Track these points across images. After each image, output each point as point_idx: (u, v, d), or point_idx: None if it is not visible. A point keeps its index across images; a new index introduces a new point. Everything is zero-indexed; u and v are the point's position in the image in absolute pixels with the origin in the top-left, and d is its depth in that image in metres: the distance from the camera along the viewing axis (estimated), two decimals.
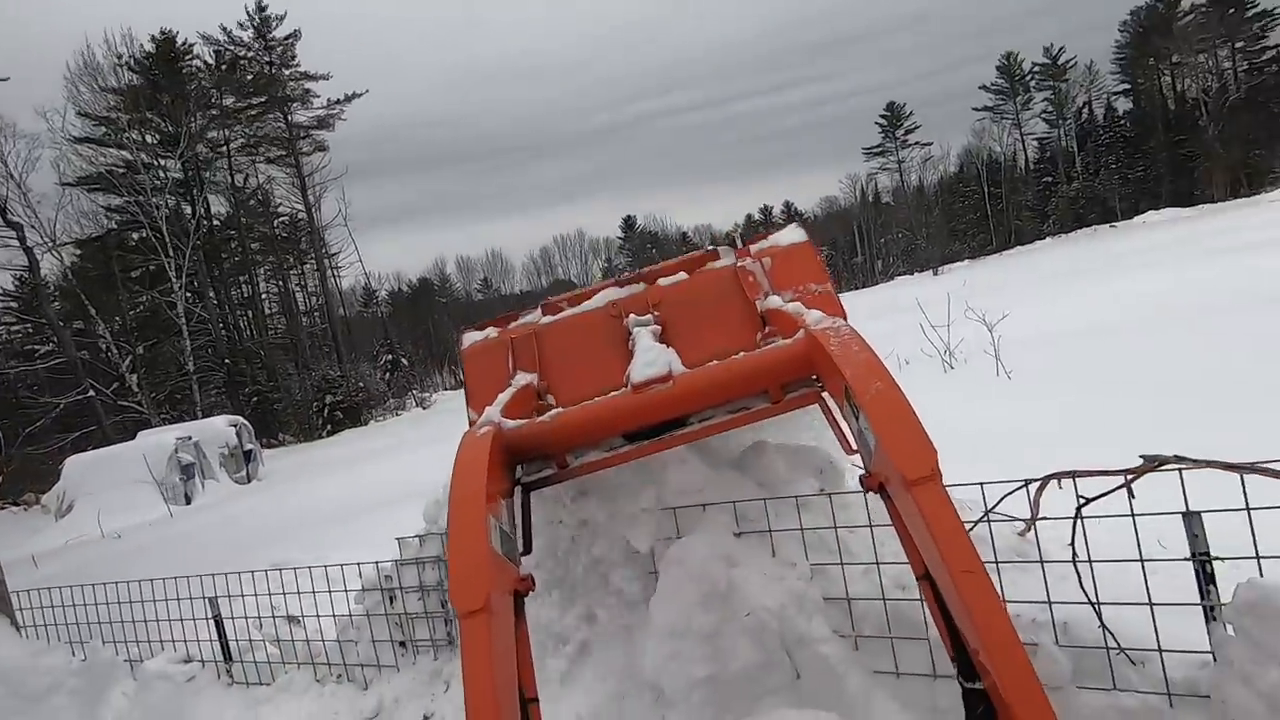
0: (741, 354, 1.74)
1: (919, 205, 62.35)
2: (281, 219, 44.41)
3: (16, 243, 27.16)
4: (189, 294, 32.93)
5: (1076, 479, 1.93)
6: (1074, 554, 1.86)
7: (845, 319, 2.04)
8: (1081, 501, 1.86)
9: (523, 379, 2.14)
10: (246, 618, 3.98)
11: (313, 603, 3.62)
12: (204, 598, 3.97)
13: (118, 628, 4.56)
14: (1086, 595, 1.84)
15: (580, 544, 2.61)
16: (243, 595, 4.02)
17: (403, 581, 3.23)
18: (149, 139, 34.54)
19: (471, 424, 2.21)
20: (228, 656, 3.92)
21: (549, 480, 1.90)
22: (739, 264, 2.27)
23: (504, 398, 1.96)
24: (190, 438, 16.96)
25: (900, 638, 2.23)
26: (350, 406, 33.26)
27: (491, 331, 2.47)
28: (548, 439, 1.75)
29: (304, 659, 3.62)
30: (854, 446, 1.48)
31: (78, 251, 33.12)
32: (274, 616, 3.82)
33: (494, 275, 78.42)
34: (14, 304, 33.80)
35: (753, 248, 2.38)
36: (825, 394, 1.79)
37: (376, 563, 3.31)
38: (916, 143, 66.07)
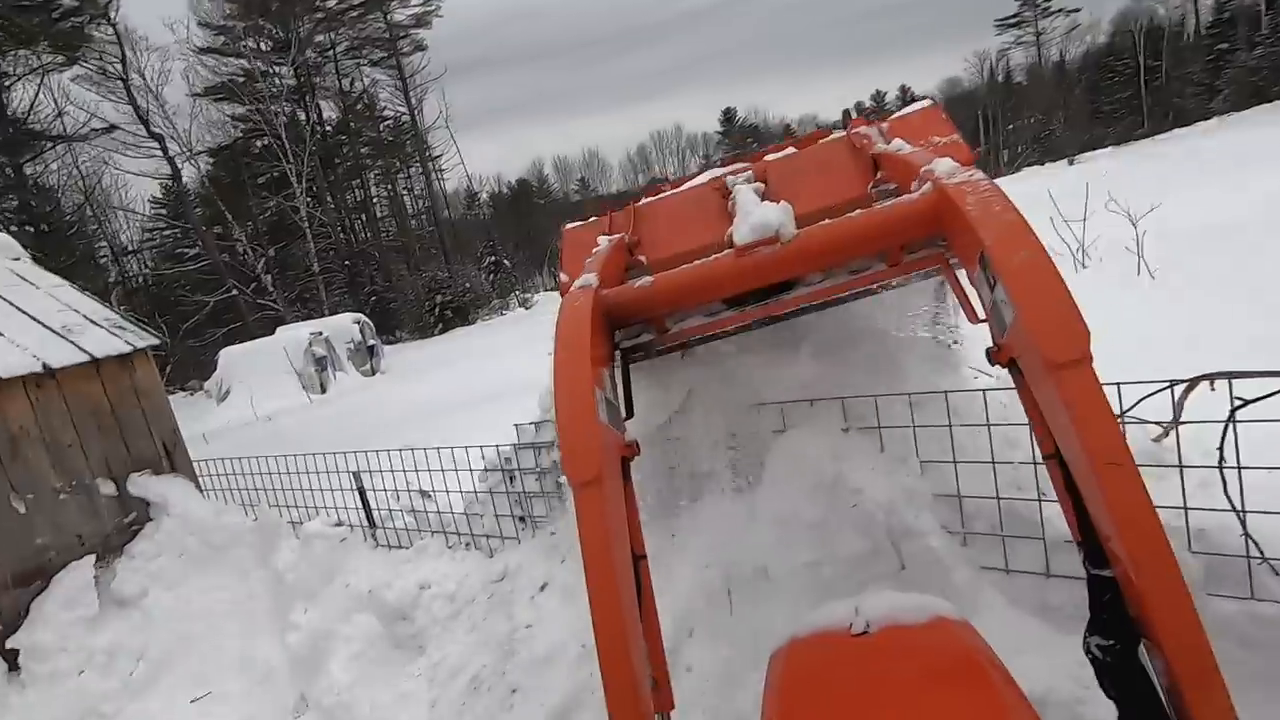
0: (858, 212, 1.57)
1: (1059, 85, 55.37)
2: (387, 122, 45.47)
3: (160, 153, 29.42)
4: (309, 198, 34.88)
5: (1232, 380, 1.77)
6: (1221, 458, 1.75)
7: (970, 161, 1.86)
8: (1239, 404, 1.72)
9: (614, 238, 2.10)
10: (385, 491, 4.47)
11: (441, 480, 3.99)
12: (349, 471, 4.47)
13: (280, 495, 5.26)
14: (1230, 502, 1.74)
15: (686, 431, 2.70)
16: (380, 471, 4.49)
17: (521, 464, 3.49)
18: (263, 46, 35.74)
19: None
20: (371, 523, 4.44)
21: (648, 346, 1.84)
22: (852, 131, 2.13)
23: (597, 256, 1.89)
24: (321, 333, 18.49)
25: (1012, 536, 2.20)
26: (459, 306, 34.92)
27: (592, 219, 2.50)
28: (647, 303, 1.68)
29: (436, 528, 4.05)
30: (982, 316, 1.34)
31: (211, 160, 35.58)
32: (409, 491, 4.26)
33: (591, 175, 77.88)
34: (163, 210, 37.13)
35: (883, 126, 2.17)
36: (951, 257, 1.61)
37: (497, 446, 3.58)
38: (1061, 10, 57.79)
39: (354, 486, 4.42)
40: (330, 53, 40.15)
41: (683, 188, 2.38)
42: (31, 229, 25.84)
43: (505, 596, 3.27)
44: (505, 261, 45.74)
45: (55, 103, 28.34)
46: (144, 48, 28.88)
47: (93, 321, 5.33)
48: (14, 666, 4.22)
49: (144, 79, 28.80)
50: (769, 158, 2.29)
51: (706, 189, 2.21)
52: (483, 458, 3.69)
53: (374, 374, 19.88)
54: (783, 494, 2.40)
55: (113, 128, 29.03)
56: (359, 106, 43.45)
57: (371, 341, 20.57)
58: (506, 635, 3.08)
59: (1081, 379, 0.99)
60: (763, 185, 2.06)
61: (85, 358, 4.90)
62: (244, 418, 14.45)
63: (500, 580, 3.33)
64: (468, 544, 3.83)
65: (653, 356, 1.99)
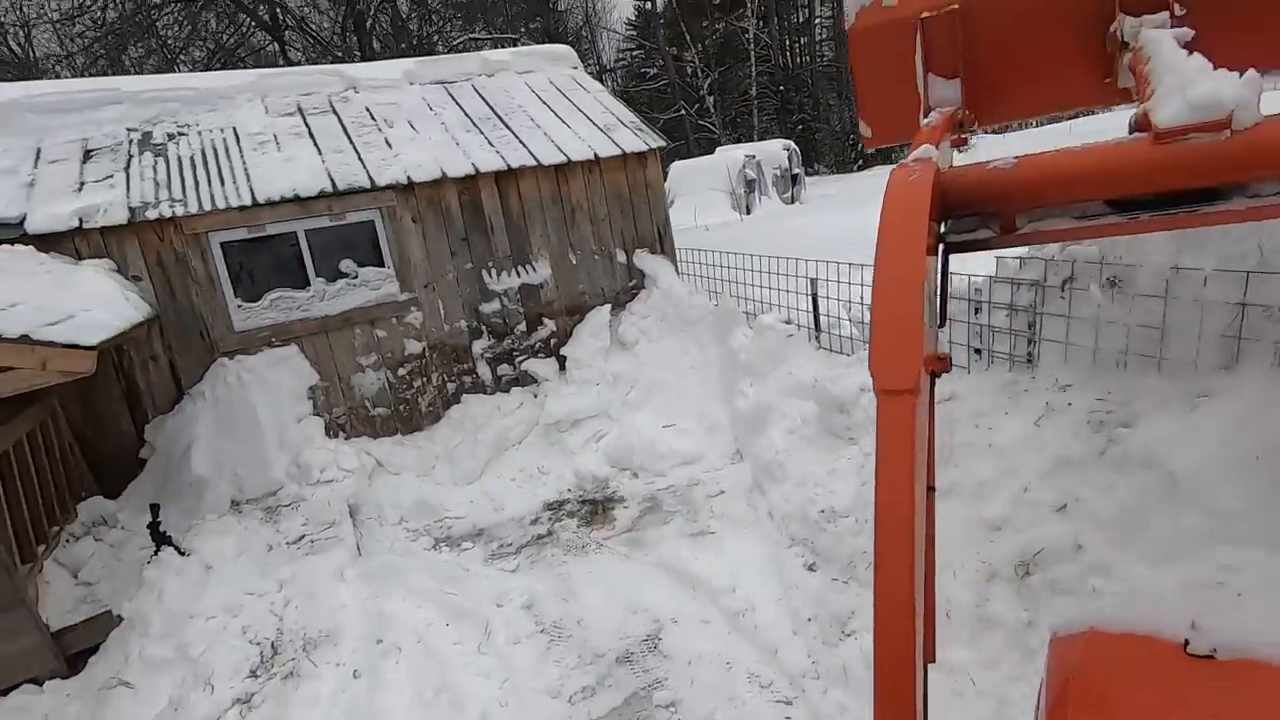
0: None
1: None
2: None
3: None
4: (757, 19, 35.28)
5: None
6: None
7: None
8: None
9: (942, 93, 1.67)
10: (834, 299, 4.92)
11: None
12: (806, 277, 5.01)
13: (739, 288, 6.20)
14: None
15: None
16: (830, 281, 4.93)
17: (992, 296, 3.48)
18: None
19: (865, 141, 1.82)
20: (818, 326, 4.98)
21: (985, 245, 1.49)
22: None
23: (930, 124, 1.54)
24: (754, 156, 19.60)
25: None
26: None
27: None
28: (1002, 192, 1.34)
29: None
30: None
31: None
32: (857, 303, 4.62)
33: None
34: (634, 31, 41.72)
35: None
36: None
37: (969, 275, 3.61)
38: None
39: (809, 291, 4.96)
40: None
41: None
42: (547, 42, 31.69)
43: (948, 413, 3.48)
44: None
45: None
46: None
47: (622, 123, 6.65)
48: (563, 368, 6.14)
49: None
50: None
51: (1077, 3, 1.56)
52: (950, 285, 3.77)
53: (793, 202, 20.60)
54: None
55: None
56: None
57: (796, 170, 21.09)
58: (947, 446, 3.33)
59: None
60: (1188, 31, 1.44)
61: (618, 151, 6.22)
62: (686, 224, 16.59)
63: (948, 400, 3.53)
64: None
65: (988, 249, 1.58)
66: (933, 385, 1.24)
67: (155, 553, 3.66)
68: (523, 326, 6.08)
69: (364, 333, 5.44)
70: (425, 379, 5.73)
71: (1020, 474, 2.91)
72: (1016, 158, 1.34)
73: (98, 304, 4.05)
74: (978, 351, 3.66)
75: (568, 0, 35.22)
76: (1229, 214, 1.25)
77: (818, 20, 45.44)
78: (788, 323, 5.22)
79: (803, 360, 4.91)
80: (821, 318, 4.94)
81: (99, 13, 16.34)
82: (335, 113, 6.09)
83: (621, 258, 6.43)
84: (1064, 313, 3.16)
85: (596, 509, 4.90)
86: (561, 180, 6.07)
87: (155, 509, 3.87)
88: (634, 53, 43.42)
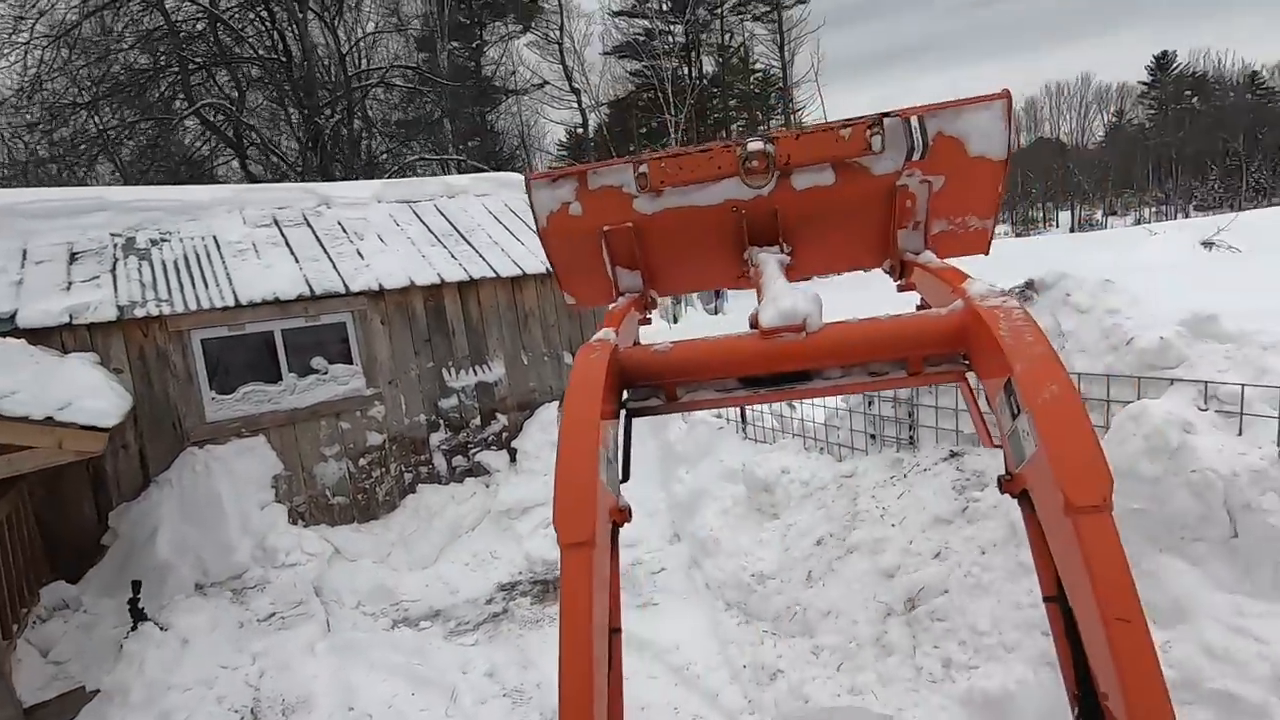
0: (887, 316, 1.59)
1: None
2: (757, 74, 47.59)
3: (575, 105, 35.55)
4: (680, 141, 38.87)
5: None
6: None
7: (986, 252, 1.95)
8: None
9: (627, 281, 2.05)
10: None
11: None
12: None
13: None
14: None
15: None
16: None
17: (880, 394, 4.35)
18: (664, 6, 40.07)
19: (570, 306, 2.24)
20: (743, 420, 5.77)
21: (655, 410, 1.73)
22: (901, 183, 1.87)
23: (614, 309, 1.86)
24: None
25: None
26: None
27: (566, 191, 2.07)
28: (662, 370, 1.63)
29: (796, 432, 5.17)
30: (997, 442, 1.36)
31: (608, 111, 41.69)
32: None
33: None
34: (566, 152, 44.90)
35: (929, 125, 1.82)
36: (970, 375, 1.57)
37: None
38: None
39: None
40: (719, 9, 43.11)
41: (688, 196, 1.99)
42: (485, 166, 33.68)
43: (851, 488, 4.23)
44: None
45: (512, 64, 36.08)
46: (576, 14, 34.77)
47: None
48: (514, 459, 6.62)
49: (572, 41, 34.88)
50: (795, 182, 1.93)
51: (723, 211, 1.98)
52: None
53: (716, 314, 22.18)
54: (1122, 450, 2.87)
55: (545, 83, 35.91)
56: (734, 60, 46.20)
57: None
58: (850, 514, 4.05)
59: (1100, 526, 0.98)
60: (788, 259, 1.92)
61: None
62: None
63: (850, 477, 4.29)
64: (821, 449, 4.87)
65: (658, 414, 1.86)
66: (615, 536, 1.38)
67: (134, 627, 3.82)
68: (477, 420, 6.59)
69: (329, 425, 5.82)
70: (384, 469, 6.09)
71: (907, 531, 3.64)
72: (673, 343, 1.64)
73: (87, 393, 4.35)
74: (873, 437, 4.48)
75: (503, 123, 37.82)
76: (814, 390, 1.64)
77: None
78: (717, 416, 5.99)
79: (731, 449, 5.64)
80: (747, 411, 5.73)
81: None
82: (309, 225, 6.71)
83: (568, 359, 7.13)
84: (933, 405, 4.04)
85: (548, 588, 5.30)
86: (516, 290, 6.82)
87: (137, 585, 4.02)
88: None
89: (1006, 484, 1.28)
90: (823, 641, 3.59)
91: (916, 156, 1.81)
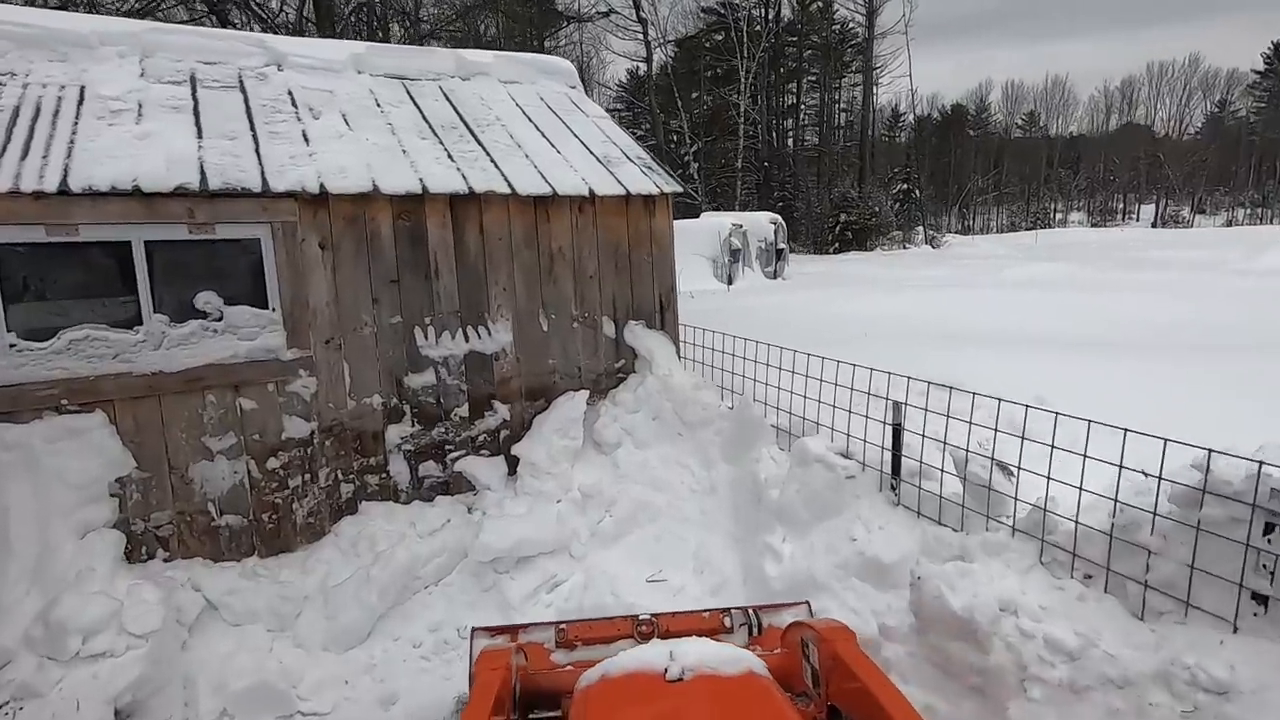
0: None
1: None
2: (836, 26, 43.35)
3: (640, 37, 32.27)
4: (749, 96, 35.38)
5: None
6: None
7: None
8: None
9: None
10: (916, 431, 3.37)
11: (1025, 451, 2.68)
12: (887, 399, 3.45)
13: (758, 386, 4.64)
14: None
15: None
16: (907, 404, 3.38)
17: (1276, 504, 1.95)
18: None
19: None
20: (896, 471, 3.40)
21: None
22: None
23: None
24: (741, 226, 18.55)
25: None
26: (861, 229, 32.88)
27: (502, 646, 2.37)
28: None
29: (1024, 528, 2.81)
30: None
31: (674, 50, 38.18)
32: (972, 451, 3.06)
33: (1046, 108, 64.83)
34: (625, 90, 41.57)
35: (762, 616, 2.62)
36: None
37: (1246, 458, 2.09)
38: None
39: (889, 419, 3.39)
40: None
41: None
42: None
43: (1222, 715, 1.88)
44: (916, 192, 41.77)
45: None
46: None
47: (628, 157, 5.15)
48: (513, 472, 4.40)
49: None
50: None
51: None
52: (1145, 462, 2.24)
53: (775, 277, 19.54)
54: None
55: (612, 11, 32.57)
56: (814, 6, 42.04)
57: (781, 245, 20.14)
58: None
59: None
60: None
61: (621, 191, 4.69)
62: None
63: (1222, 694, 1.94)
64: (1088, 576, 2.50)
65: None
66: None
67: None
68: (463, 410, 4.36)
69: (220, 401, 3.64)
70: (310, 476, 3.92)
71: None
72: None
73: None
74: (1258, 598, 2.09)
75: (562, 53, 34.74)
76: None
77: (803, 106, 46.49)
78: (846, 456, 3.64)
79: (873, 519, 3.31)
80: (903, 459, 3.37)
81: None
82: (243, 90, 4.43)
83: (610, 329, 4.82)
84: None
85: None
86: (542, 218, 4.48)
87: None
88: (622, 112, 43.31)
89: None
90: None
91: (755, 634, 2.54)
